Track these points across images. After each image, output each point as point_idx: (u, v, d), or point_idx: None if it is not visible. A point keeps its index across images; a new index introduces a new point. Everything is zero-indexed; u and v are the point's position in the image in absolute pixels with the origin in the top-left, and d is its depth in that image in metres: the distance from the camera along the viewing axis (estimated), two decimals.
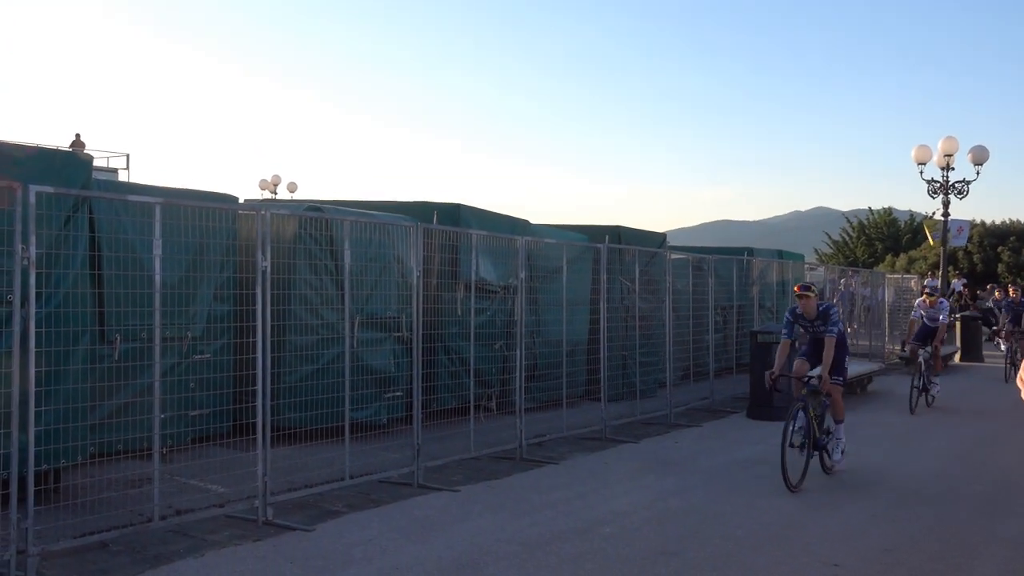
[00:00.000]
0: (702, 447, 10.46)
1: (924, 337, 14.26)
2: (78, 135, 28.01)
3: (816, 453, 8.71)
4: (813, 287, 9.09)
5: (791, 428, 8.21)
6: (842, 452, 8.96)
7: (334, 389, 8.09)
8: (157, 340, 6.48)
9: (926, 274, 31.09)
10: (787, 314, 9.31)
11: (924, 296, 14.95)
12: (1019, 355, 17.38)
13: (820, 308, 8.98)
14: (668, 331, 12.62)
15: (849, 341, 22.40)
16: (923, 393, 13.96)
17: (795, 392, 8.99)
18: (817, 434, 8.67)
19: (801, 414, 8.42)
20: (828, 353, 8.73)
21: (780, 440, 8.23)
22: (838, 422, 8.96)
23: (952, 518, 7.38)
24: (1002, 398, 14.87)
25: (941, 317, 14.33)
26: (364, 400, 9.17)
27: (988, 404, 14.66)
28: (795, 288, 9.20)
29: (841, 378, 8.95)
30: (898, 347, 23.01)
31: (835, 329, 8.82)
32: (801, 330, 9.32)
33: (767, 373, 8.92)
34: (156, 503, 6.33)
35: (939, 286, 26.50)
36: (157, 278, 6.47)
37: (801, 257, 23.72)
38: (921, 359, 13.91)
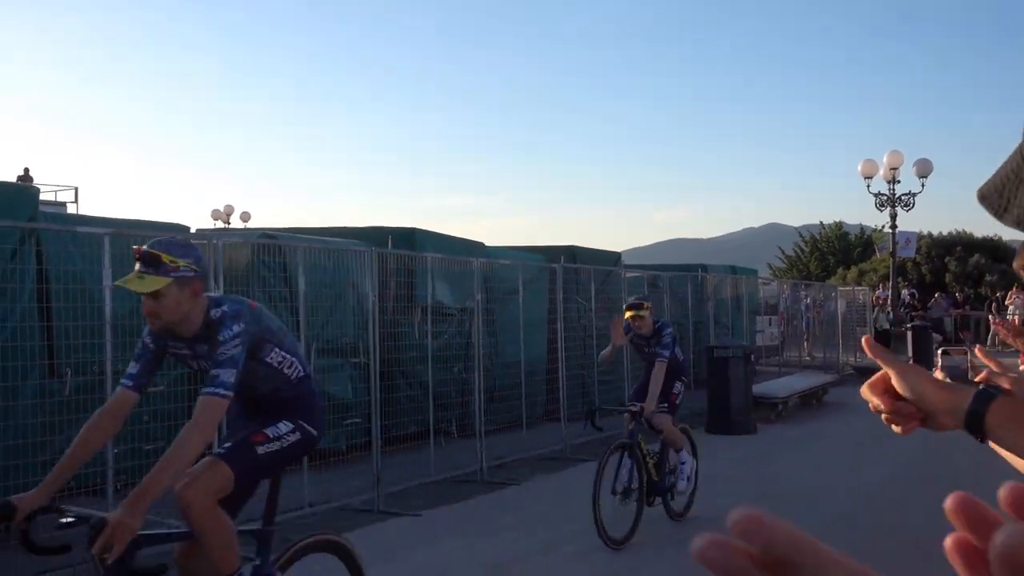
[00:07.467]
0: None
1: None
2: (26, 169, 27.54)
3: (658, 499, 7.61)
4: (646, 303, 7.71)
5: (607, 472, 6.91)
6: (688, 478, 7.76)
7: None
8: (109, 373, 6.38)
9: (877, 285, 31.65)
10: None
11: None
12: None
13: (656, 324, 7.72)
14: (626, 349, 12.66)
15: (805, 355, 22.57)
16: None
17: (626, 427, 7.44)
18: (654, 477, 7.42)
19: (626, 456, 7.13)
20: (656, 381, 7.33)
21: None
22: (677, 451, 7.75)
23: (910, 522, 7.49)
24: None
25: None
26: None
27: None
28: (626, 309, 7.74)
29: (666, 405, 7.59)
30: (851, 358, 23.37)
31: (666, 353, 7.43)
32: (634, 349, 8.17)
33: (594, 411, 7.43)
34: None
35: (890, 296, 27.03)
36: (108, 310, 6.39)
37: (755, 272, 24.04)
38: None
